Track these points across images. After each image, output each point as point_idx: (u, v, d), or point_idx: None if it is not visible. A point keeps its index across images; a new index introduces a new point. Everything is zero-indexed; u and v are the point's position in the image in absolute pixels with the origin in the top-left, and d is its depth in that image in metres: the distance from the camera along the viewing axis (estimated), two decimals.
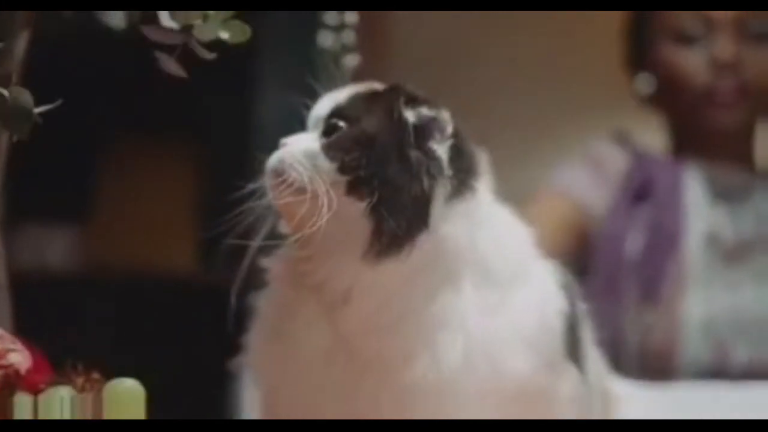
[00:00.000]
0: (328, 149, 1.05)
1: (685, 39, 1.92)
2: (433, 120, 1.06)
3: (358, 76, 1.17)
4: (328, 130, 1.07)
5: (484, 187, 1.10)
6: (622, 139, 2.01)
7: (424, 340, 1.04)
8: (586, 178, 1.95)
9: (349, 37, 1.22)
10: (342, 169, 1.03)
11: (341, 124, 1.06)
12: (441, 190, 1.05)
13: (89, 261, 2.78)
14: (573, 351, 1.13)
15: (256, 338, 1.13)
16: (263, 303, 1.13)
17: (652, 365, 1.86)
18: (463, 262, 1.06)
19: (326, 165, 1.04)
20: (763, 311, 1.89)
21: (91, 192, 2.81)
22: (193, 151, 2.84)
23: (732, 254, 1.91)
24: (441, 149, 1.06)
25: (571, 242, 1.86)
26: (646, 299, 1.88)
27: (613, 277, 1.88)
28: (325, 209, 1.02)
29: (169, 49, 0.97)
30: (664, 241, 1.89)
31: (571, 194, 1.94)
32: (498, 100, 2.76)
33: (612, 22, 2.07)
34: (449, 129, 1.07)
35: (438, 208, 1.04)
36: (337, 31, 1.21)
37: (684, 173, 1.94)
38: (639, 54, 1.99)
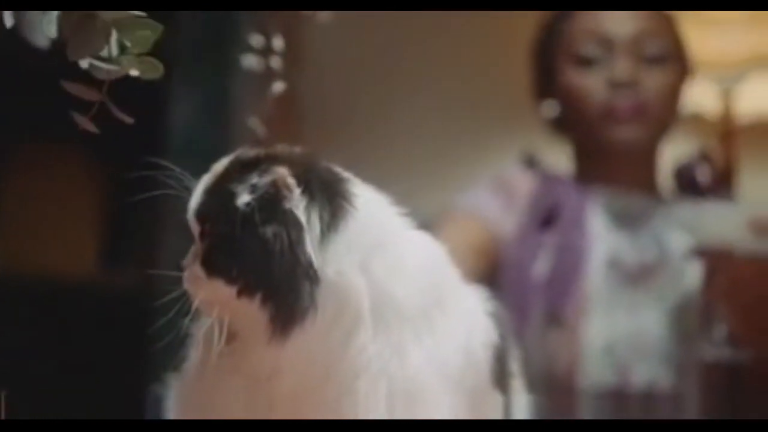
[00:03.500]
0: (208, 267, 1.05)
1: (585, 62, 1.98)
2: (272, 184, 1.03)
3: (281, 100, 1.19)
4: (201, 236, 1.07)
5: (368, 208, 1.06)
6: (531, 161, 2.05)
7: (346, 390, 1.03)
8: (494, 201, 1.99)
9: (275, 62, 1.22)
10: (227, 282, 1.04)
11: (207, 228, 1.06)
12: (313, 238, 1.02)
13: None
14: (500, 381, 1.09)
15: (179, 381, 1.12)
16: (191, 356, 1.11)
17: (556, 386, 1.90)
18: (363, 299, 1.03)
19: (214, 285, 1.04)
20: (662, 334, 1.93)
21: None
22: (97, 159, 2.81)
23: (633, 278, 1.95)
24: (294, 203, 1.03)
25: (479, 264, 1.89)
26: (551, 321, 1.92)
27: (519, 299, 1.91)
28: (220, 334, 1.03)
29: (85, 105, 0.96)
30: (568, 265, 1.93)
31: (479, 217, 1.97)
32: (409, 123, 2.78)
33: (521, 48, 2.12)
34: (290, 180, 1.03)
35: (318, 257, 1.02)
36: (263, 55, 1.22)
37: (589, 198, 1.99)
38: (544, 81, 2.05)
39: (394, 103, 2.80)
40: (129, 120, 0.95)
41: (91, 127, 0.96)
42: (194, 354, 1.09)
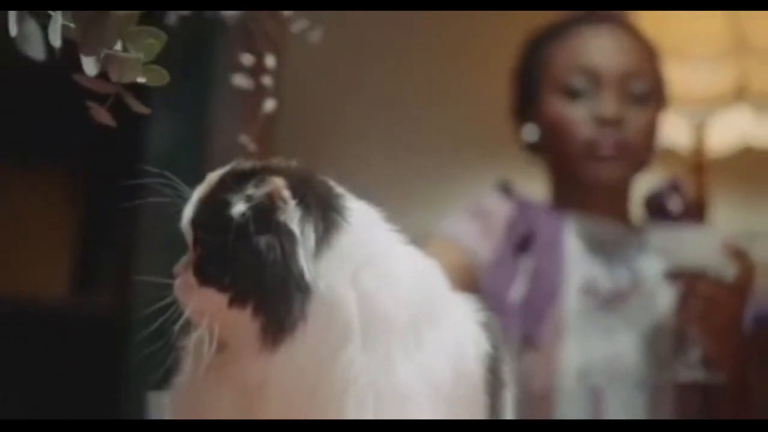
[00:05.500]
0: (200, 275, 1.05)
1: (571, 94, 2.00)
2: (267, 196, 1.04)
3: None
4: (195, 244, 1.08)
5: (361, 223, 1.07)
6: (506, 188, 2.07)
7: (335, 402, 1.04)
8: (471, 228, 2.01)
9: (267, 80, 1.23)
10: (219, 290, 1.05)
11: (201, 236, 1.07)
12: (306, 251, 1.03)
13: None
14: (493, 391, 1.10)
15: (172, 394, 1.12)
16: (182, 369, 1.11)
17: (531, 410, 1.91)
18: (353, 312, 1.04)
19: (205, 293, 1.05)
20: (636, 358, 1.95)
21: None
22: (70, 179, 2.81)
23: (608, 303, 1.98)
24: (289, 215, 1.03)
25: (457, 289, 1.90)
26: (527, 345, 1.94)
27: None
28: (210, 343, 1.04)
29: (100, 98, 0.97)
30: (544, 290, 1.96)
31: (457, 243, 1.99)
32: (386, 149, 2.80)
33: (503, 71, 2.13)
34: (285, 192, 1.04)
35: (310, 269, 1.03)
36: (252, 74, 1.23)
37: (564, 225, 2.01)
38: (526, 105, 2.07)
39: (373, 127, 2.81)
40: (146, 111, 0.96)
41: (108, 120, 0.96)
42: (184, 364, 1.10)
